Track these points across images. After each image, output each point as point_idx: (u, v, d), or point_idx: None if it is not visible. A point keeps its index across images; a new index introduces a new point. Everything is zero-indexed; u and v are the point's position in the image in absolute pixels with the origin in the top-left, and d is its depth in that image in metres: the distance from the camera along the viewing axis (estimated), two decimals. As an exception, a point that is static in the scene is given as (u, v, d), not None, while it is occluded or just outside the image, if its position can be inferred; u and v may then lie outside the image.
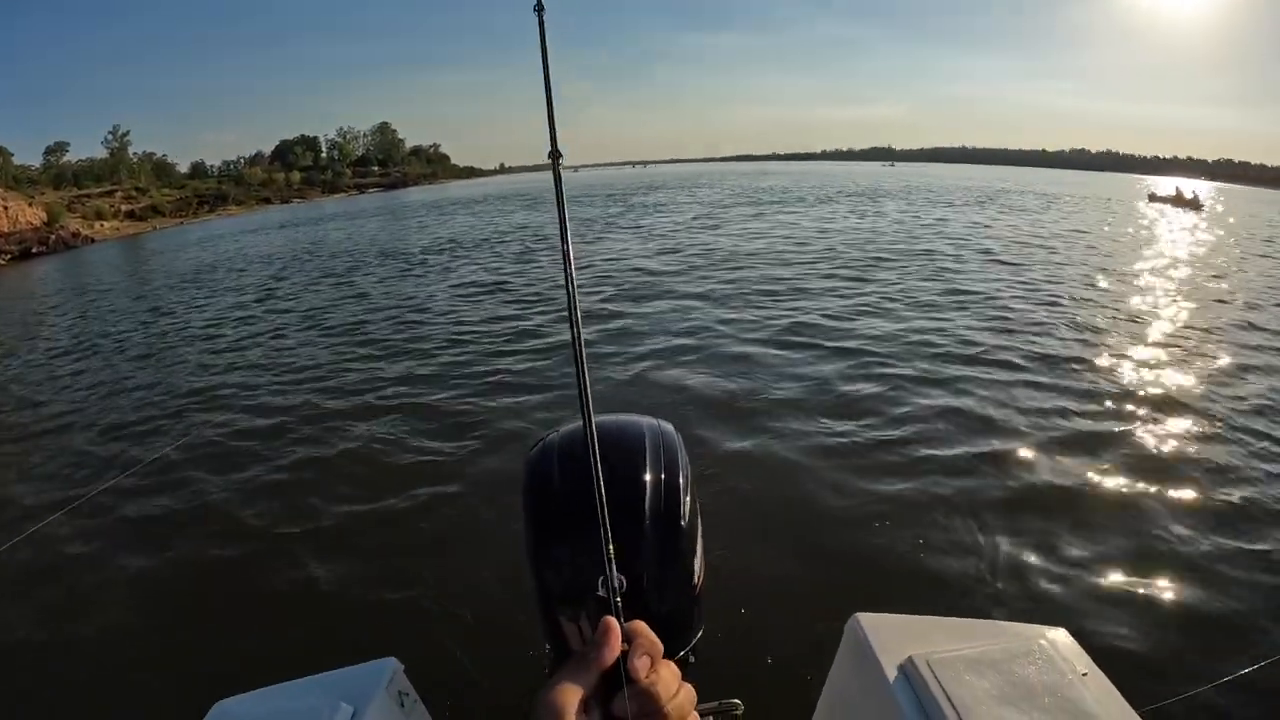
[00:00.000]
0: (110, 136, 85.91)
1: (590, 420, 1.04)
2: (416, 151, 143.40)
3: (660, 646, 0.72)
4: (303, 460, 6.08)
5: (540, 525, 1.56)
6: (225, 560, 4.67)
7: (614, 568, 0.85)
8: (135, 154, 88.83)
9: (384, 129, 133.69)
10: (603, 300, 11.67)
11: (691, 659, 1.63)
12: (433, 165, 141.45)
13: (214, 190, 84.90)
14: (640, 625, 0.73)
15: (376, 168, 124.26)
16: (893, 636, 1.38)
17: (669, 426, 1.85)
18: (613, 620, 0.71)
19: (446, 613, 3.93)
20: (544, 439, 1.76)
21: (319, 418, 6.99)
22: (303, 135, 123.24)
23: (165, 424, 7.27)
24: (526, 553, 1.55)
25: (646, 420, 1.84)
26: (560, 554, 1.40)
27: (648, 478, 1.61)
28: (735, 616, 3.61)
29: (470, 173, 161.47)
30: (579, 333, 1.05)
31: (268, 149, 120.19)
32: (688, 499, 1.63)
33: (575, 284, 1.10)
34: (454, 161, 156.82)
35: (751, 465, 5.56)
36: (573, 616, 1.41)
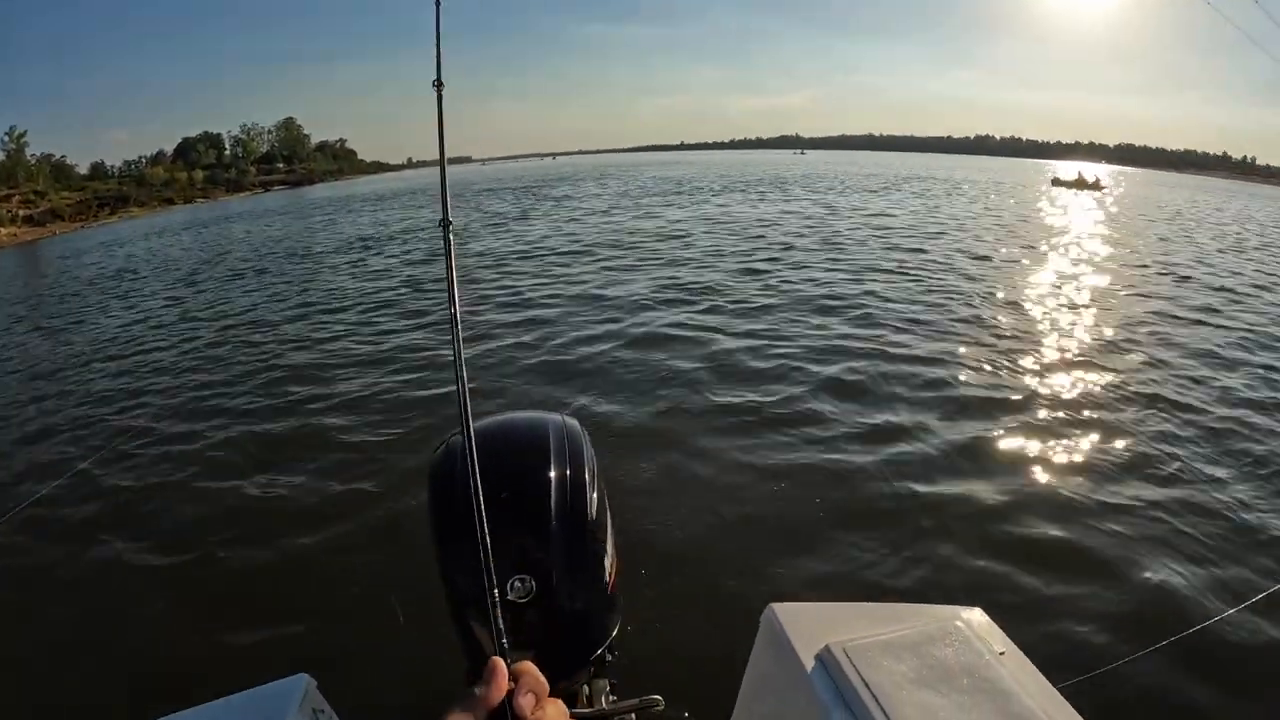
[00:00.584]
0: (6, 138, 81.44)
1: (469, 427, 1.01)
2: (322, 147, 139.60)
3: (545, 685, 0.73)
4: (209, 480, 5.73)
5: (445, 529, 1.52)
6: (112, 591, 4.37)
7: (499, 610, 0.83)
8: (33, 155, 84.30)
9: (289, 125, 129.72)
10: (506, 297, 11.55)
11: (609, 657, 1.61)
12: (339, 161, 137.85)
13: (115, 192, 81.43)
14: (527, 665, 0.73)
15: (281, 165, 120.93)
16: (808, 625, 1.37)
17: (574, 422, 1.84)
18: (498, 660, 0.72)
19: (359, 624, 3.78)
20: (448, 441, 1.73)
21: (230, 442, 6.54)
22: (205, 132, 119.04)
23: (61, 452, 6.73)
24: (435, 557, 1.51)
25: (551, 416, 1.83)
26: (467, 557, 1.36)
27: (552, 474, 1.60)
28: (652, 612, 3.57)
29: (378, 168, 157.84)
30: (460, 348, 1.02)
31: (169, 147, 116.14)
32: (594, 494, 1.62)
33: (458, 299, 1.07)
34: (361, 157, 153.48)
35: (659, 459, 5.48)
36: (483, 621, 1.37)
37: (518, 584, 1.37)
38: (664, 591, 3.79)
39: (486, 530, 0.86)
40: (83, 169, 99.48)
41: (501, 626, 0.80)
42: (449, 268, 1.14)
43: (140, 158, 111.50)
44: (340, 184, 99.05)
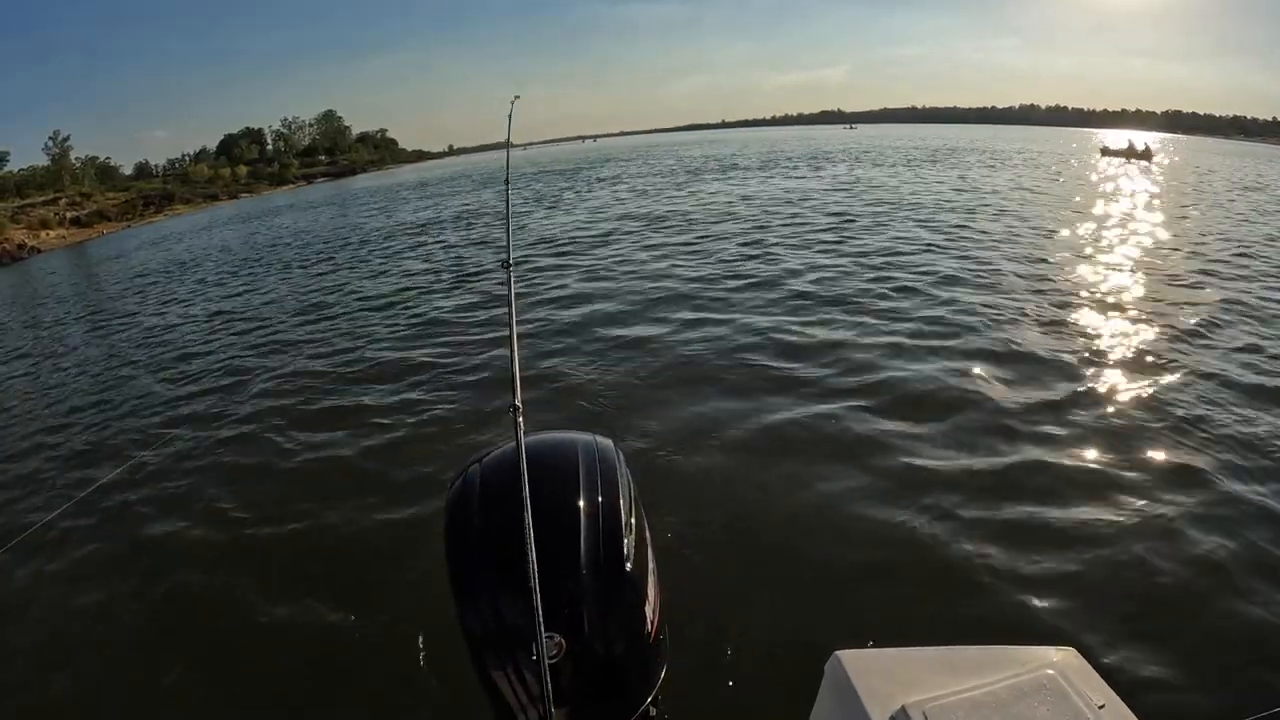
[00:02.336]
0: (51, 143, 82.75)
1: (523, 463, 0.86)
2: (364, 138, 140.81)
3: None
4: (225, 496, 5.56)
5: (463, 568, 1.37)
6: (120, 611, 4.30)
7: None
8: (78, 158, 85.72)
9: (329, 117, 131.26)
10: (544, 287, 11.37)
11: (653, 712, 1.44)
12: (380, 151, 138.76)
13: (159, 190, 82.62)
14: None
15: (324, 157, 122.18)
16: (880, 677, 1.20)
17: (607, 442, 1.63)
18: None
19: (374, 659, 3.53)
20: (466, 468, 1.55)
21: (268, 439, 6.46)
22: (247, 128, 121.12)
23: (100, 458, 6.72)
24: (453, 603, 1.36)
25: (580, 436, 1.62)
26: (485, 601, 1.23)
27: (581, 507, 1.41)
28: (701, 657, 3.18)
29: (419, 156, 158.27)
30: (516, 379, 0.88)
31: (212, 144, 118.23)
32: (632, 527, 1.43)
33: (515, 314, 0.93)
34: (402, 145, 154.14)
35: (705, 479, 4.94)
36: (501, 666, 1.23)
37: (544, 642, 1.21)
38: (713, 633, 3.38)
39: (539, 599, 0.71)
40: (127, 169, 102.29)
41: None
42: (510, 311, 0.98)
43: (183, 155, 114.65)
44: (383, 173, 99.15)
